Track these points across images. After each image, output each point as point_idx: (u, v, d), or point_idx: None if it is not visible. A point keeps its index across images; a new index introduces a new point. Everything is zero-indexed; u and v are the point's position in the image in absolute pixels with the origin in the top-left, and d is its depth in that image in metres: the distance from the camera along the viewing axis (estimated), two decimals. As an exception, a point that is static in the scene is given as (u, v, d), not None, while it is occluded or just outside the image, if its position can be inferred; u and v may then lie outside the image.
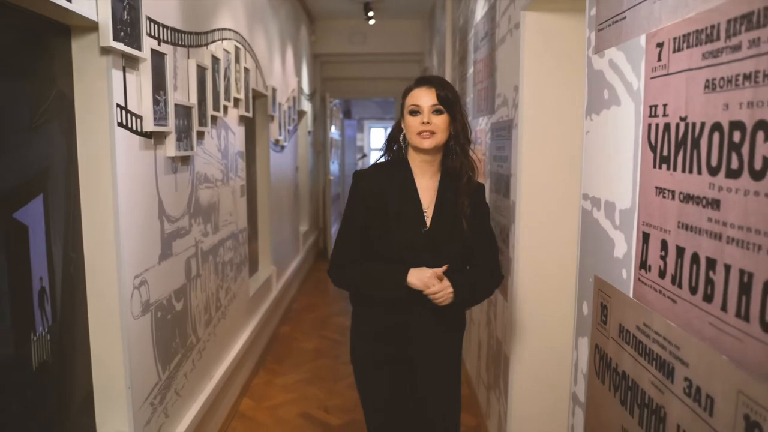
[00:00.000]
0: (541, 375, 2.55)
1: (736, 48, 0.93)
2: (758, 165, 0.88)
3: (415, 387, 2.03)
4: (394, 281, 1.89)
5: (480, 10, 3.46)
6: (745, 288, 0.91)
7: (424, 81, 1.93)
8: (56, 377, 1.81)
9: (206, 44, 2.93)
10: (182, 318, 2.60)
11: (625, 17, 1.36)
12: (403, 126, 1.95)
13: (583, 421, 1.67)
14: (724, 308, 0.97)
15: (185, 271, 2.64)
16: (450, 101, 1.89)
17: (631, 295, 1.33)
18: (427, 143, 1.87)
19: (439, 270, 1.85)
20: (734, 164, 0.94)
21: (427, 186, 1.97)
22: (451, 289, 1.85)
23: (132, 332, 2.07)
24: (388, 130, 2.12)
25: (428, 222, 1.94)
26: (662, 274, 1.18)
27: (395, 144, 2.01)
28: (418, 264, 1.88)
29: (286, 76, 5.69)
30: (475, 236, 1.96)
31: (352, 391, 3.30)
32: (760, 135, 0.87)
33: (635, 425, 1.31)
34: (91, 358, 2.00)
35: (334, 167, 9.50)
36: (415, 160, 1.96)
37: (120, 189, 1.96)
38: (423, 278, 1.86)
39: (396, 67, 8.55)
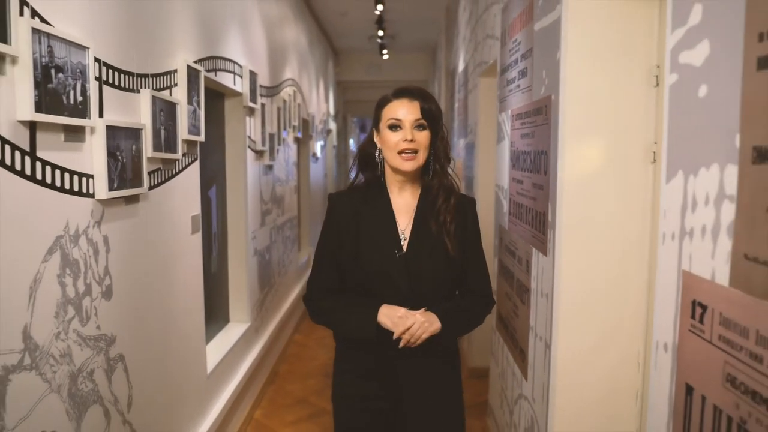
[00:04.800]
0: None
1: (526, 123, 2.48)
2: (524, 166, 2.42)
3: None
4: (363, 320, 1.64)
5: (461, 65, 5.04)
6: (527, 213, 2.45)
7: (405, 92, 1.69)
8: (218, 281, 3.39)
9: (279, 92, 4.53)
10: (269, 265, 4.18)
11: (506, 98, 2.92)
12: (377, 141, 1.73)
13: (496, 308, 3.20)
14: (525, 222, 2.51)
15: (270, 236, 4.23)
16: (434, 115, 1.67)
17: (507, 228, 2.88)
18: (409, 165, 1.65)
19: (413, 312, 1.62)
20: (524, 166, 2.48)
21: (404, 206, 1.75)
22: (423, 319, 1.60)
23: (250, 265, 3.64)
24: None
25: (404, 245, 1.70)
26: (514, 214, 2.72)
27: (370, 162, 1.77)
28: (395, 296, 1.65)
29: (319, 102, 7.30)
30: (465, 258, 1.75)
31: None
32: (528, 157, 2.42)
33: (509, 288, 2.84)
34: (229, 277, 3.57)
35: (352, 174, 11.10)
36: (391, 178, 1.75)
37: (248, 184, 3.54)
38: (393, 317, 1.61)
39: (406, 91, 10.18)
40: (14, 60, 1.35)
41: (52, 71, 1.47)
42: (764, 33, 0.85)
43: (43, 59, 1.43)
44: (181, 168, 2.41)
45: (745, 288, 0.92)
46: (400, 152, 1.65)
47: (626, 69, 1.88)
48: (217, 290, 3.37)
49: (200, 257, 2.67)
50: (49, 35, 1.45)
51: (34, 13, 1.43)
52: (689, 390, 1.09)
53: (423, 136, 1.66)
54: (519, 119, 2.57)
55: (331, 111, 8.85)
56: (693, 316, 1.08)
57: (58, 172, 1.54)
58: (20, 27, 1.35)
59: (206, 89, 2.97)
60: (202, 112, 2.57)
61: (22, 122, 1.39)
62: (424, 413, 1.73)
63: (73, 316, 1.59)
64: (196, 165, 2.61)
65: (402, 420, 1.73)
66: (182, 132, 2.36)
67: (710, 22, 1.00)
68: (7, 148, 1.34)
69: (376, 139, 1.74)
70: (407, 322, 1.59)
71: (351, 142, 11.02)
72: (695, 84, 1.05)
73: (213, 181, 3.26)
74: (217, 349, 3.08)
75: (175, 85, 2.33)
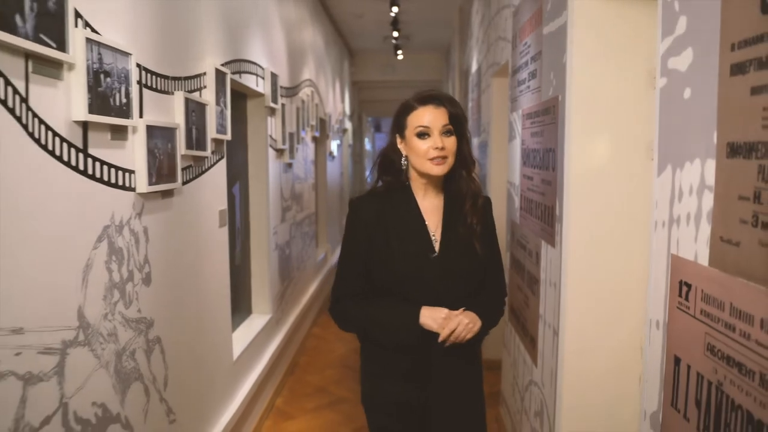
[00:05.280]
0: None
1: (536, 122, 2.60)
2: (534, 163, 2.55)
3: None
4: (405, 323, 1.66)
5: (474, 66, 5.16)
6: (537, 207, 2.58)
7: (431, 98, 1.70)
8: (241, 274, 3.55)
9: (298, 93, 4.68)
10: (288, 259, 4.34)
11: (517, 98, 3.04)
12: (402, 148, 1.74)
13: (509, 300, 3.32)
14: (534, 216, 2.63)
15: (289, 232, 4.39)
16: (461, 120, 1.71)
17: (518, 223, 3.00)
18: (439, 170, 1.67)
19: (455, 312, 1.65)
20: (534, 163, 2.61)
21: (431, 208, 1.77)
22: (467, 320, 1.64)
23: (271, 258, 3.80)
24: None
25: (437, 247, 1.73)
26: (524, 209, 2.85)
27: (391, 167, 1.78)
28: (429, 297, 1.68)
29: (335, 102, 7.46)
30: (486, 256, 1.79)
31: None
32: (538, 154, 2.54)
33: (520, 280, 2.96)
34: (251, 271, 3.73)
35: (370, 179, 11.29)
36: (417, 182, 1.76)
37: (269, 181, 3.70)
38: (438, 319, 1.64)
39: (420, 91, 10.35)
40: (71, 67, 1.51)
41: (101, 76, 1.63)
42: (735, 44, 0.97)
43: (95, 65, 1.59)
44: (209, 165, 2.56)
45: (721, 267, 1.04)
46: (431, 159, 1.66)
47: (628, 71, 2.00)
48: (240, 282, 3.52)
49: (227, 250, 2.83)
50: (99, 44, 1.61)
51: (86, 24, 1.58)
52: (677, 361, 1.22)
53: (451, 142, 1.68)
54: (529, 118, 2.70)
55: (347, 111, 9.00)
56: (680, 295, 1.20)
57: (105, 168, 1.69)
58: (77, 37, 1.51)
59: (231, 90, 3.12)
60: (228, 112, 2.73)
61: (77, 122, 1.55)
62: (454, 408, 1.77)
63: (118, 299, 1.75)
64: (223, 162, 2.77)
65: (431, 415, 1.77)
66: (211, 131, 2.51)
67: (693, 32, 1.13)
68: (65, 145, 1.50)
69: (400, 146, 1.75)
70: (452, 324, 1.63)
71: (366, 141, 11.16)
72: (681, 87, 1.18)
73: (236, 178, 3.42)
74: (241, 337, 3.24)
75: (205, 87, 2.49)
